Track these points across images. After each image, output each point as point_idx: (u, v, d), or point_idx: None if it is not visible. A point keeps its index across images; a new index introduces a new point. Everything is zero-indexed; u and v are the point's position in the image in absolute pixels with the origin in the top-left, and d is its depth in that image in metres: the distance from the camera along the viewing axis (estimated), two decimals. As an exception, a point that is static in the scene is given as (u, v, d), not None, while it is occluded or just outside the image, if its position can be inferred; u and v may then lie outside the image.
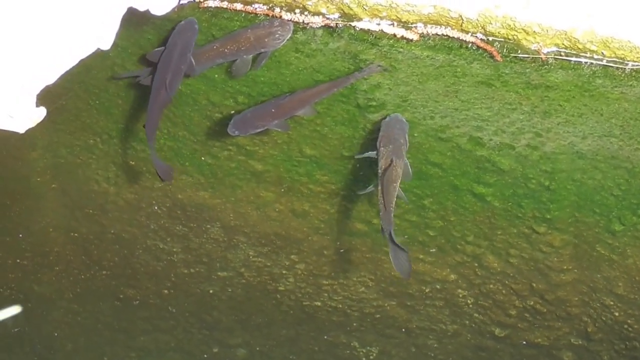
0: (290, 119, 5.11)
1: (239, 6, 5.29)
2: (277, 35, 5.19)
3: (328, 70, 5.17)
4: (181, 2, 5.23)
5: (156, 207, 5.27)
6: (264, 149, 5.22)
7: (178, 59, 5.14)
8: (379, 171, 4.92)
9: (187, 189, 5.25)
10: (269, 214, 5.22)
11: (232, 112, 5.19)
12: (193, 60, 5.15)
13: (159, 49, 5.20)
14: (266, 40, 5.19)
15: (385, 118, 5.11)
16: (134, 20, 5.03)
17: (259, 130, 5.10)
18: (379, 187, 4.87)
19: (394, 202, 4.86)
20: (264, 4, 5.28)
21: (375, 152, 4.98)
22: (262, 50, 5.22)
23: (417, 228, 5.16)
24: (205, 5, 5.27)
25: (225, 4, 5.28)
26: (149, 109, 5.05)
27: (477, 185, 5.12)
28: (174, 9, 5.11)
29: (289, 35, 5.20)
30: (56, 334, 5.33)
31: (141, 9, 4.93)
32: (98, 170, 5.30)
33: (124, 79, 5.28)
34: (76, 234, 5.28)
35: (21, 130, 4.73)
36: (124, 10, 4.84)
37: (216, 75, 5.22)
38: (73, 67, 4.76)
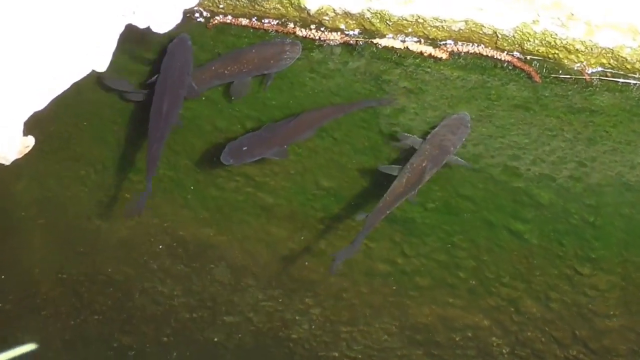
0: (303, 146, 5.23)
1: (245, 21, 5.42)
2: (284, 56, 5.32)
3: (347, 92, 5.31)
4: (196, 18, 5.40)
5: (154, 245, 5.28)
6: (275, 181, 5.29)
7: (175, 83, 5.28)
8: (408, 166, 5.04)
9: (189, 224, 5.28)
10: (280, 253, 5.24)
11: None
12: (193, 82, 5.30)
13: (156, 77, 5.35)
14: (272, 61, 5.37)
15: (451, 115, 5.21)
16: (132, 38, 5.13)
17: (256, 158, 5.23)
18: (395, 182, 4.99)
19: (394, 205, 4.99)
20: (275, 19, 5.43)
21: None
22: (266, 72, 5.39)
23: (446, 269, 5.18)
24: (214, 23, 5.44)
25: (229, 19, 5.44)
26: (148, 142, 5.19)
27: (513, 220, 5.18)
28: (177, 25, 5.20)
29: (297, 56, 5.29)
30: (42, 388, 5.39)
31: (141, 26, 5.06)
32: (90, 204, 5.32)
33: (115, 92, 5.38)
34: (65, 275, 5.26)
35: (7, 161, 4.83)
36: (122, 28, 4.97)
37: (222, 99, 5.36)
38: (65, 91, 4.85)
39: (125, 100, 5.42)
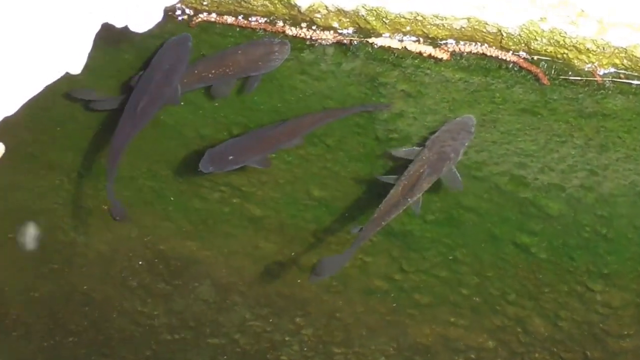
0: (293, 154, 5.18)
1: (230, 19, 5.41)
2: (273, 57, 5.29)
3: (341, 95, 5.25)
4: (178, 16, 5.42)
5: (134, 261, 5.24)
6: (263, 191, 5.25)
7: (160, 80, 5.23)
8: (405, 173, 5.01)
9: (170, 238, 5.26)
10: (269, 269, 5.21)
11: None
12: (179, 88, 5.26)
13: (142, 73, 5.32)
14: (259, 62, 5.32)
15: (454, 118, 5.20)
16: (109, 38, 5.11)
17: (238, 166, 5.19)
18: (392, 191, 4.95)
19: (390, 218, 4.94)
20: (263, 17, 5.40)
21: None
22: (253, 73, 5.36)
23: (448, 285, 5.13)
24: (198, 21, 5.40)
25: (213, 17, 5.42)
26: (114, 134, 5.15)
27: (519, 233, 5.14)
28: (157, 24, 5.16)
29: (287, 57, 5.28)
30: (13, 415, 5.38)
31: (119, 25, 5.02)
32: (64, 216, 5.30)
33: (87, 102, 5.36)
34: (38, 294, 5.22)
35: (-26, 173, 4.84)
36: (98, 28, 4.92)
37: (205, 103, 5.29)
38: (37, 95, 4.81)
39: (96, 109, 5.38)
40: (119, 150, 5.15)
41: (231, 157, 5.17)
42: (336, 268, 4.94)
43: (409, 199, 5.00)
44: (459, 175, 5.11)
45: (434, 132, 5.27)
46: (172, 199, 5.32)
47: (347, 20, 5.29)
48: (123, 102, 5.32)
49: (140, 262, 5.24)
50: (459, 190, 5.13)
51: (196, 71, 5.36)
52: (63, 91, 5.30)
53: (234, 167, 5.20)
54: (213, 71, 5.36)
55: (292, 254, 5.21)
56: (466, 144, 5.20)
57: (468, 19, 5.22)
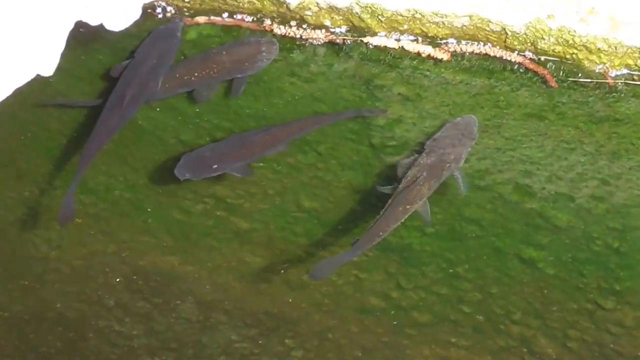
0: (282, 162, 5.12)
1: (217, 19, 5.40)
2: (260, 57, 5.27)
3: (333, 99, 5.21)
4: (158, 14, 5.41)
5: (111, 278, 5.14)
6: (250, 202, 5.20)
7: (147, 73, 5.18)
8: (403, 180, 4.99)
9: (150, 253, 5.18)
10: (256, 286, 5.13)
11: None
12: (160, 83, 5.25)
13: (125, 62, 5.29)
14: (245, 63, 5.31)
15: (455, 119, 5.22)
16: (83, 37, 5.11)
17: (217, 173, 5.16)
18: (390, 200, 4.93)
19: (390, 229, 4.88)
20: (249, 14, 5.37)
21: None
22: (239, 75, 5.34)
23: (449, 303, 5.06)
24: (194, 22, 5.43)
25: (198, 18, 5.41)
26: (94, 130, 5.08)
27: (525, 247, 5.09)
28: (135, 22, 5.12)
29: (274, 57, 5.32)
30: None
31: (93, 23, 5.03)
32: (36, 229, 5.21)
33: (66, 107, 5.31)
34: (7, 313, 5.12)
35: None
36: (71, 26, 4.87)
37: (187, 106, 5.27)
38: (5, 99, 4.78)
39: (70, 119, 5.34)
40: (97, 147, 5.08)
41: (211, 163, 5.13)
42: (330, 269, 4.90)
43: (408, 207, 4.92)
44: (463, 181, 5.08)
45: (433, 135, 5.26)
46: (150, 210, 5.27)
47: (340, 18, 5.28)
48: (101, 102, 5.26)
49: (117, 279, 5.16)
50: (462, 194, 5.10)
51: (177, 74, 5.30)
52: (34, 95, 5.24)
53: (212, 174, 5.15)
54: (196, 74, 5.31)
55: (281, 269, 5.15)
56: (469, 147, 5.16)
57: (470, 16, 5.22)
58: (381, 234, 4.91)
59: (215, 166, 5.14)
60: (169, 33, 5.46)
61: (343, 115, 5.26)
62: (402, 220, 5.01)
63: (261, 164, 5.27)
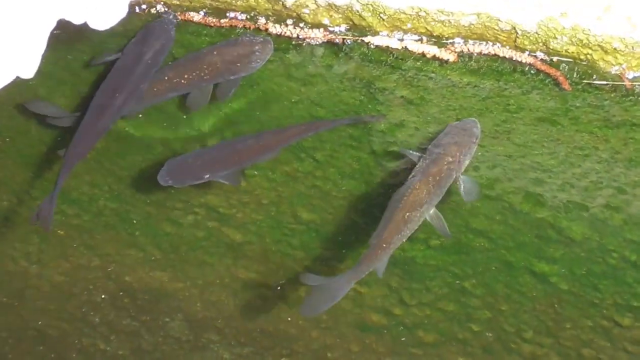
0: (277, 170, 5.09)
1: (211, 19, 5.37)
2: (253, 58, 5.25)
3: (332, 102, 5.21)
4: (145, 11, 5.37)
5: (95, 294, 5.09)
6: (243, 212, 5.15)
7: (136, 75, 5.12)
8: (406, 184, 4.94)
9: (137, 268, 5.13)
10: (250, 303, 5.07)
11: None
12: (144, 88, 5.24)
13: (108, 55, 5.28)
14: (238, 64, 5.25)
15: (456, 122, 5.20)
16: (65, 37, 5.10)
17: (202, 180, 5.09)
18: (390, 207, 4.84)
19: (394, 239, 4.74)
20: (242, 12, 5.34)
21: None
22: (231, 77, 5.30)
23: (456, 321, 5.00)
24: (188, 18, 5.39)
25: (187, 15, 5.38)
26: (75, 136, 5.00)
27: (537, 261, 5.03)
28: (121, 21, 5.03)
29: (268, 57, 5.30)
30: None
31: (77, 22, 4.89)
32: (15, 242, 5.17)
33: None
34: None
35: None
36: (53, 25, 4.77)
37: (176, 111, 5.25)
38: None
39: (52, 125, 5.27)
40: (81, 152, 5.01)
41: (195, 170, 5.06)
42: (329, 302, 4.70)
43: (408, 215, 4.80)
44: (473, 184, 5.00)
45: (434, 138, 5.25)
46: (137, 222, 5.22)
47: (340, 16, 5.25)
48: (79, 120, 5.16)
49: (102, 296, 5.11)
50: (473, 199, 5.01)
51: (166, 78, 5.19)
52: (13, 98, 5.24)
53: (196, 181, 5.09)
54: (186, 76, 5.20)
55: (277, 285, 5.08)
56: (473, 150, 5.08)
57: (478, 14, 5.19)
58: (384, 245, 4.71)
59: (200, 173, 5.07)
60: (161, 30, 5.37)
61: (339, 122, 5.20)
62: (408, 232, 4.83)
63: (255, 172, 5.23)
